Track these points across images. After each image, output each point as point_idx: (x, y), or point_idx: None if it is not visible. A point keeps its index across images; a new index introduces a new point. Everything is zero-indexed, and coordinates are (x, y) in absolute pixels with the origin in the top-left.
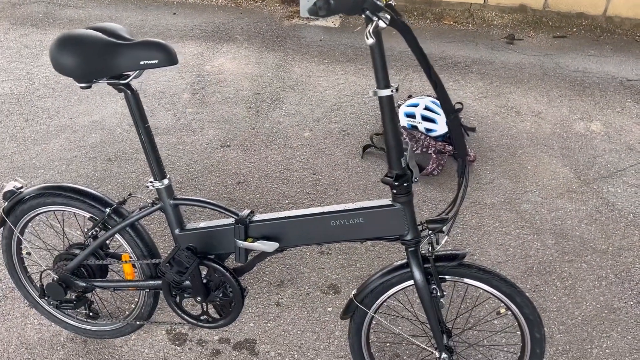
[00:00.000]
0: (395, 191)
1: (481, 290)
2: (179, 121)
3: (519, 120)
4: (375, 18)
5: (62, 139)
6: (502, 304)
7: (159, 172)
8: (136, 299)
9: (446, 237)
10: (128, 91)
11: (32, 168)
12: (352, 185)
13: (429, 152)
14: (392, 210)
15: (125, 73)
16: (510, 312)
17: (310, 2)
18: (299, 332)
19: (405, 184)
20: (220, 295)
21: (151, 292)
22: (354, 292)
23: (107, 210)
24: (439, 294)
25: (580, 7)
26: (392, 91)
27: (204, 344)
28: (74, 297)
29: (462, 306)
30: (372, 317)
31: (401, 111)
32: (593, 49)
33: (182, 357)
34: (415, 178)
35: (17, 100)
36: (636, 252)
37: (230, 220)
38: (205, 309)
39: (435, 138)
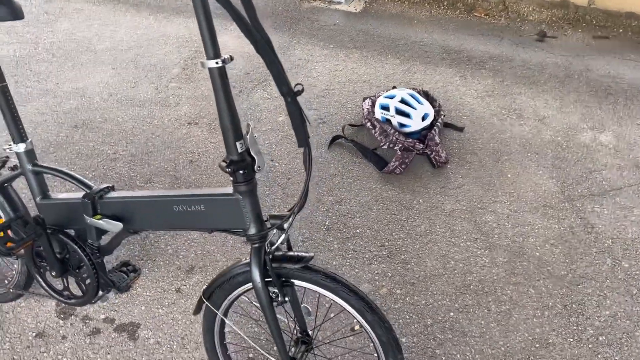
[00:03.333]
0: (232, 179)
1: (331, 301)
2: (158, 95)
3: (517, 123)
4: None
5: (41, 102)
6: (355, 319)
7: (18, 135)
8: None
9: (283, 235)
10: None
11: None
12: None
13: (395, 148)
14: (230, 200)
15: None
16: (362, 329)
17: None
18: (187, 322)
19: (242, 172)
20: (77, 272)
21: (23, 260)
22: (204, 287)
23: None
24: (280, 298)
25: (630, 5)
26: (221, 62)
27: (87, 320)
28: None
29: (319, 316)
30: (222, 318)
31: (377, 102)
32: (635, 53)
33: (61, 332)
34: (259, 166)
35: (16, 63)
36: (599, 284)
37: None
38: (66, 285)
39: (408, 134)
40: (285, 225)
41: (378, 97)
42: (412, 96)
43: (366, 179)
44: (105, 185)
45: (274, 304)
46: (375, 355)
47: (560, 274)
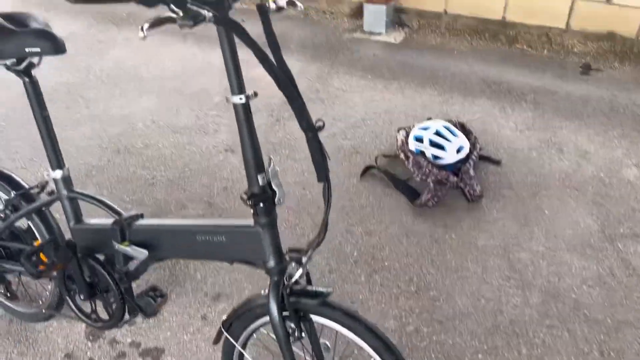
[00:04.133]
0: (253, 212)
1: (350, 339)
2: (198, 122)
3: (557, 158)
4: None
5: (87, 127)
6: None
7: (56, 161)
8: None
9: (300, 270)
10: (26, 78)
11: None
12: (337, 205)
13: (428, 180)
14: (250, 232)
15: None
16: None
17: (373, 16)
18: (210, 350)
19: (263, 205)
20: (105, 296)
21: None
22: (224, 317)
23: (13, 193)
24: (297, 333)
25: None
26: (245, 98)
27: (114, 344)
28: None
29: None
30: (240, 351)
31: (412, 134)
32: None
33: (88, 354)
34: (279, 199)
35: (68, 90)
36: None
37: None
38: (94, 308)
39: (442, 167)
40: (304, 260)
41: (412, 128)
42: (447, 128)
43: (397, 211)
44: (134, 212)
45: (291, 338)
46: None
47: (598, 318)
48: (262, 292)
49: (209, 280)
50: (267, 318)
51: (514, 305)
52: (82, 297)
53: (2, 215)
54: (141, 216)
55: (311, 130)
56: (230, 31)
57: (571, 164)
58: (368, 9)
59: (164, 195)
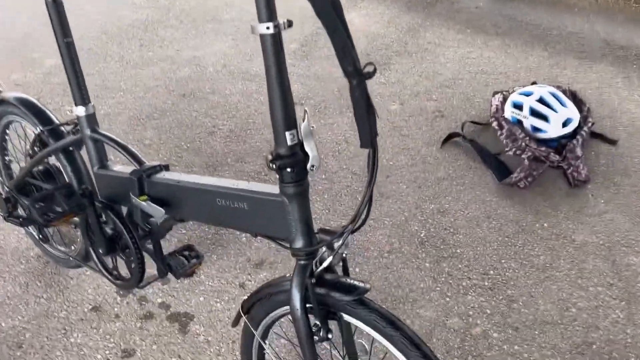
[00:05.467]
0: (278, 178)
1: (386, 348)
2: None
3: None
4: None
5: (157, 67)
6: None
7: (80, 96)
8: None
9: (331, 256)
10: None
11: (116, 89)
12: (409, 176)
13: (523, 156)
14: (273, 201)
15: None
16: None
17: None
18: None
19: (290, 170)
20: (124, 253)
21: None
22: (244, 298)
23: (40, 128)
24: (322, 333)
25: None
26: (274, 27)
27: (143, 302)
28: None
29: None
30: (259, 342)
31: (510, 99)
32: None
33: (115, 309)
34: (313, 165)
35: (145, 27)
36: None
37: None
38: (115, 264)
39: (542, 141)
40: (336, 245)
41: (512, 93)
42: (554, 95)
43: (480, 189)
44: (157, 163)
45: (315, 338)
46: None
47: None
48: (288, 275)
49: (254, 245)
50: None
51: (614, 321)
52: (101, 251)
53: (30, 151)
54: (165, 168)
55: (356, 76)
56: None
57: None
58: None
59: (222, 147)
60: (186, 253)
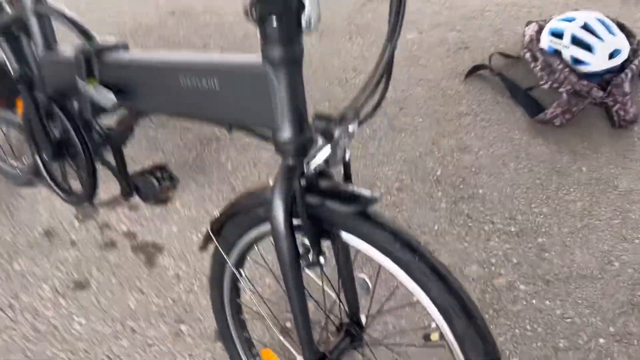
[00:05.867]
0: (259, 37)
1: (397, 279)
2: None
3: None
4: None
5: None
6: (433, 321)
7: None
8: None
9: (328, 150)
10: None
11: (96, 1)
12: (426, 110)
13: (561, 90)
14: (253, 75)
15: None
16: (445, 342)
17: None
18: None
19: (278, 21)
20: (74, 160)
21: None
22: (216, 214)
23: None
24: (312, 256)
25: None
26: None
27: (105, 229)
28: None
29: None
30: (232, 271)
31: (548, 26)
32: None
33: (72, 235)
34: (310, 20)
35: None
36: None
37: None
38: (64, 173)
39: (584, 75)
40: (336, 133)
41: (549, 21)
42: (602, 22)
43: (508, 126)
44: (114, 40)
45: (302, 262)
46: None
47: None
48: (270, 182)
49: (241, 174)
50: (269, 226)
51: None
52: (45, 156)
53: None
54: (124, 47)
55: None
56: None
57: None
58: None
59: None
60: (158, 174)
